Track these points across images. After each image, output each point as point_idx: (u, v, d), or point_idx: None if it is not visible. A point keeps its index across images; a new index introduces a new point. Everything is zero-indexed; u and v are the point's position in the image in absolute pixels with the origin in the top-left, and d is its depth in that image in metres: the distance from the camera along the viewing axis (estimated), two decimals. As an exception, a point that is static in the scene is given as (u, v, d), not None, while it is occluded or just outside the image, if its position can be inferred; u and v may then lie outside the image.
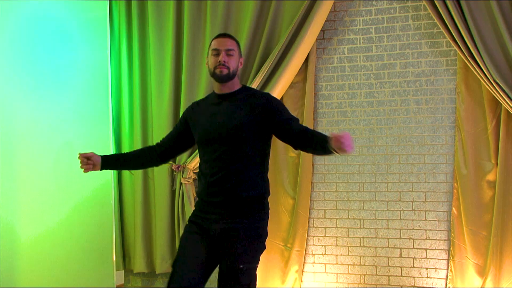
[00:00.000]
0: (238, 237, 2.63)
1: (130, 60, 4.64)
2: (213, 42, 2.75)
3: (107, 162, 2.89)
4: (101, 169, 2.87)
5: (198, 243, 2.70)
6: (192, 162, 4.31)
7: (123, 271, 4.71)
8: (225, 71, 2.68)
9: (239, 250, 2.61)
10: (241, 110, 2.68)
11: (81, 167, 2.83)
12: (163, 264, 4.46)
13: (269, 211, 2.81)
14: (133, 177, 4.62)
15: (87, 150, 2.87)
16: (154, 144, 3.02)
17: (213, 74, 2.72)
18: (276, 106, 2.71)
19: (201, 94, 4.35)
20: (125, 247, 4.68)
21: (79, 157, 2.81)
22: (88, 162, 2.82)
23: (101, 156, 2.87)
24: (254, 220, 2.68)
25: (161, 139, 2.99)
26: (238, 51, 2.75)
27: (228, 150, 2.66)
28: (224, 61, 2.67)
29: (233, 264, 2.60)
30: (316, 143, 2.49)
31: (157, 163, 3.04)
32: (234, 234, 2.64)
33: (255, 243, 2.67)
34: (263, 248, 2.73)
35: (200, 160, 2.81)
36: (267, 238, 4.21)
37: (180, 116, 3.06)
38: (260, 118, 2.66)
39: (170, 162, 4.41)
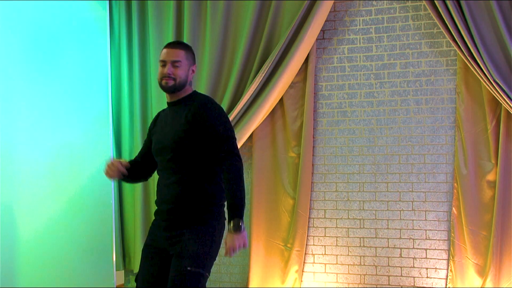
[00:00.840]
0: (186, 240, 2.59)
1: (130, 60, 4.64)
2: (161, 52, 2.73)
3: (130, 164, 2.83)
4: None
5: (152, 257, 2.72)
6: (192, 162, 4.30)
7: (123, 271, 4.71)
8: (170, 83, 2.66)
9: (186, 252, 2.56)
10: (181, 118, 2.66)
11: (111, 173, 2.74)
12: (163, 264, 4.45)
13: (224, 221, 2.73)
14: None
15: (87, 150, 2.88)
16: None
17: (160, 85, 2.71)
18: (208, 121, 2.62)
19: (201, 94, 4.35)
20: (125, 247, 4.68)
21: (118, 163, 2.74)
22: (123, 172, 2.76)
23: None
24: (203, 226, 2.63)
25: (136, 155, 2.94)
26: (187, 60, 2.70)
27: (174, 159, 2.65)
28: (169, 73, 2.65)
29: (180, 266, 2.54)
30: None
31: (144, 172, 2.94)
32: (183, 237, 2.60)
33: (204, 248, 2.59)
34: (213, 256, 2.66)
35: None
36: (265, 238, 4.27)
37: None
38: (194, 127, 2.63)
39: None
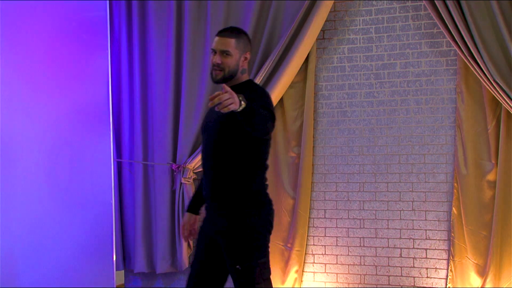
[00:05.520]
0: (226, 237, 2.59)
1: (130, 60, 4.64)
2: (214, 39, 2.68)
3: (197, 206, 2.88)
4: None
5: (203, 247, 2.72)
6: (192, 162, 4.30)
7: (123, 271, 4.71)
8: (219, 75, 2.61)
9: (230, 250, 2.57)
10: None
11: (186, 239, 2.89)
12: (163, 264, 4.46)
13: (271, 206, 2.70)
14: (133, 177, 4.62)
15: (86, 151, 2.89)
16: None
17: (210, 75, 2.68)
18: (251, 96, 2.51)
19: (202, 94, 4.35)
20: (125, 247, 4.68)
21: (186, 234, 2.84)
22: (189, 233, 2.83)
23: (189, 212, 2.86)
24: (241, 216, 2.59)
25: None
26: (237, 49, 2.62)
27: (214, 141, 2.60)
28: (218, 63, 2.60)
29: (230, 265, 2.59)
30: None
31: None
32: (222, 233, 2.61)
33: (247, 240, 2.57)
34: (262, 244, 2.61)
35: None
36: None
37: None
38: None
39: (170, 162, 4.42)
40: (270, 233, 2.67)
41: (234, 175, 2.61)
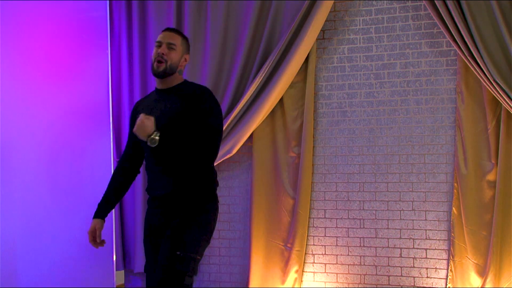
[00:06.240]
0: (176, 226, 2.59)
1: (130, 60, 4.64)
2: (160, 34, 2.74)
3: (107, 212, 2.90)
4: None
5: (153, 247, 2.71)
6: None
7: (123, 271, 4.71)
8: (161, 66, 2.65)
9: (179, 236, 2.56)
10: (175, 104, 2.63)
11: (97, 246, 2.85)
12: (163, 264, 4.46)
13: (218, 205, 2.74)
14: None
15: (87, 151, 2.89)
16: (119, 162, 2.94)
17: (151, 68, 2.69)
18: (206, 107, 2.62)
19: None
20: (125, 247, 4.68)
21: (94, 240, 2.84)
22: (101, 240, 2.84)
23: (99, 218, 2.87)
24: (195, 211, 2.63)
25: (122, 153, 2.94)
26: (182, 47, 2.71)
27: (164, 144, 2.58)
28: (163, 53, 2.64)
29: (171, 250, 2.54)
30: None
31: (136, 173, 2.94)
32: (173, 223, 2.61)
33: (195, 233, 2.59)
34: (205, 241, 2.65)
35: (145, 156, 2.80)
36: (265, 238, 4.27)
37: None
38: (191, 111, 2.59)
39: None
40: (211, 236, 2.71)
41: (192, 172, 2.64)
